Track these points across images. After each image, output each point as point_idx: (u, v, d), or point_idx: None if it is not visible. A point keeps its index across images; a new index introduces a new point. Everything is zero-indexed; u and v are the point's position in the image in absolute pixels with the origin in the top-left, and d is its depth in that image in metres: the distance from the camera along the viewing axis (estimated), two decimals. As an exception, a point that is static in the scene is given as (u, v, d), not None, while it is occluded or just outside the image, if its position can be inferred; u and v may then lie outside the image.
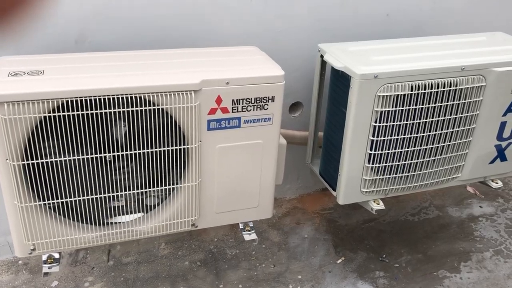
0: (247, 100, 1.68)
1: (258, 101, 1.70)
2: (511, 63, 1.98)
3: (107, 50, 1.96)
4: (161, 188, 1.74)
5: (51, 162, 1.56)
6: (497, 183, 2.29)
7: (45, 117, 1.49)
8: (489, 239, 2.59)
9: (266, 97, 1.70)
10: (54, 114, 1.48)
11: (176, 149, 1.68)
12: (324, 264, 2.42)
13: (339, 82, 1.95)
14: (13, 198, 1.56)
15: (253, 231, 1.95)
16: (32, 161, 1.53)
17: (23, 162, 1.52)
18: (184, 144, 1.68)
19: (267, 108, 1.72)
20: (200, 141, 1.69)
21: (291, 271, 2.37)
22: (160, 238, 2.52)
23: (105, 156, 1.64)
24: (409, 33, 2.44)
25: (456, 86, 1.92)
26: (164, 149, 1.66)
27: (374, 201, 2.10)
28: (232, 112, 1.68)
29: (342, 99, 1.93)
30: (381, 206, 2.09)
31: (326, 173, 2.21)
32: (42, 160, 1.54)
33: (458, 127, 2.03)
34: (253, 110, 1.71)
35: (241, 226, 1.95)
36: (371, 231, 2.63)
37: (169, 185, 1.75)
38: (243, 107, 1.69)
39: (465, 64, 1.91)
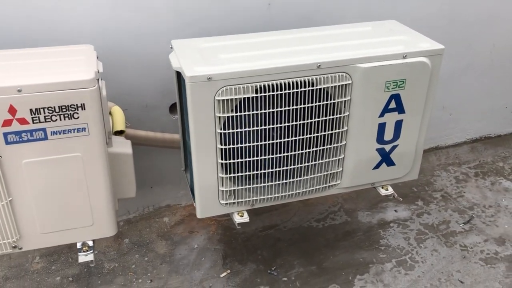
0: (50, 109, 1.48)
1: (64, 110, 1.49)
2: (379, 57, 1.74)
3: None
4: (-34, 208, 1.56)
5: None
6: (387, 189, 2.07)
7: None
8: (395, 248, 2.37)
9: (73, 105, 1.49)
10: None
11: (-27, 166, 1.49)
12: (207, 278, 2.23)
13: (183, 84, 1.73)
14: None
15: (91, 251, 1.76)
16: None
17: None
18: (-18, 160, 1.49)
19: (78, 117, 1.52)
20: (0, 156, 1.50)
21: (169, 286, 2.19)
22: (35, 251, 2.35)
23: None
24: (295, 24, 2.20)
25: (312, 85, 1.70)
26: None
27: (238, 213, 1.90)
28: (33, 123, 1.48)
29: (185, 103, 1.72)
30: (245, 218, 1.89)
31: (192, 183, 2.00)
32: None
33: (326, 131, 1.81)
34: (60, 119, 1.50)
35: (78, 245, 1.76)
36: (267, 240, 2.43)
37: (-23, 204, 1.57)
38: (47, 117, 1.49)
39: (321, 61, 1.68)
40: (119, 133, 1.92)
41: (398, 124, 1.90)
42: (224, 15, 2.14)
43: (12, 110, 1.44)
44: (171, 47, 1.85)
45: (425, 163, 2.93)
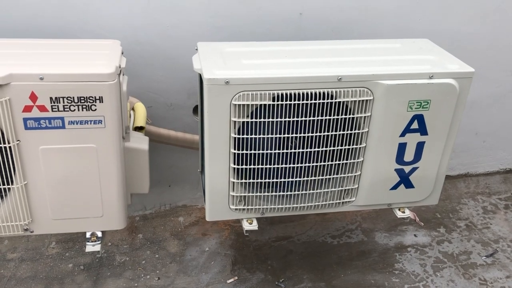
0: (69, 99, 1.52)
1: (83, 101, 1.53)
2: (403, 75, 1.69)
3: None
4: (-16, 187, 1.62)
5: None
6: (403, 212, 2.00)
7: None
8: (410, 274, 2.29)
9: (92, 97, 1.53)
10: None
11: (-6, 148, 1.55)
12: (213, 282, 2.22)
13: (202, 86, 1.74)
14: None
15: (99, 242, 1.78)
16: None
17: None
18: (2, 143, 1.54)
19: (96, 109, 1.55)
20: (18, 140, 1.55)
21: (175, 286, 2.19)
22: (51, 236, 2.41)
23: None
24: (325, 36, 2.18)
25: (332, 98, 1.67)
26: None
27: (247, 220, 1.88)
28: (52, 111, 1.52)
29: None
30: (254, 226, 1.87)
31: (204, 185, 2.01)
32: None
33: (343, 145, 1.77)
34: (78, 110, 1.54)
35: (87, 235, 1.79)
36: (279, 251, 2.40)
37: (-5, 185, 1.62)
38: (65, 107, 1.53)
39: (343, 74, 1.65)
40: (139, 129, 1.95)
41: (420, 146, 1.84)
42: (255, 21, 2.14)
43: (33, 97, 1.49)
44: (196, 49, 1.87)
45: (453, 190, 2.82)
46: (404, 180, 1.91)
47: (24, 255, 2.32)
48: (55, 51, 1.66)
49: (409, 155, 1.85)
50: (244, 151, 1.71)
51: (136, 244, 2.41)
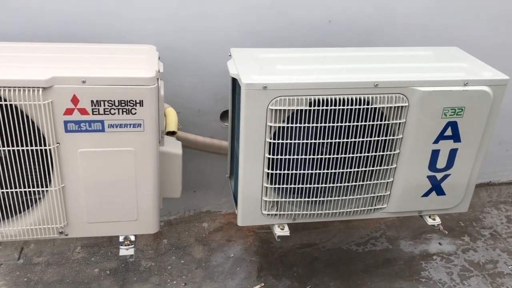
0: (110, 102, 1.53)
1: (123, 105, 1.54)
2: (439, 82, 1.70)
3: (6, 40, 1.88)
4: (23, 190, 1.62)
5: None
6: (434, 219, 2.00)
7: None
8: (436, 282, 2.27)
9: (132, 101, 1.54)
10: None
11: (33, 150, 1.56)
12: (240, 288, 2.22)
13: (238, 91, 1.75)
14: None
15: (132, 245, 1.79)
16: None
17: None
18: (42, 145, 1.55)
19: (136, 113, 1.56)
20: (58, 143, 1.56)
21: (202, 292, 2.19)
22: (76, 241, 2.42)
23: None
24: (353, 43, 2.19)
25: (368, 104, 1.68)
26: (20, 148, 1.55)
27: (278, 226, 1.88)
28: (93, 114, 1.54)
29: (239, 110, 1.73)
30: (286, 232, 1.87)
31: (236, 190, 2.01)
32: None
33: (377, 151, 1.78)
34: (118, 114, 1.55)
35: (121, 239, 1.80)
36: (305, 258, 2.39)
37: (32, 188, 1.63)
38: (106, 110, 1.54)
39: (379, 80, 1.66)
40: (171, 133, 1.96)
41: (453, 153, 1.84)
42: (284, 28, 2.16)
43: (74, 100, 1.50)
44: (230, 55, 1.88)
45: (475, 198, 2.81)
46: (436, 187, 1.91)
47: (50, 259, 2.32)
48: (94, 55, 1.68)
49: (441, 162, 1.85)
50: (279, 156, 1.72)
51: (161, 250, 2.41)
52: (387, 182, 1.86)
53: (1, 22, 1.90)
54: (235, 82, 1.90)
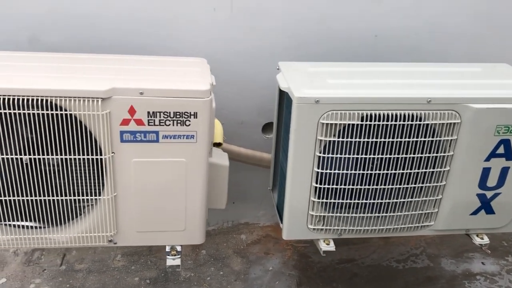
0: (165, 113, 1.55)
1: (178, 116, 1.56)
2: (493, 99, 1.67)
3: (58, 51, 1.93)
4: (74, 198, 1.66)
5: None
6: (482, 238, 1.95)
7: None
8: (481, 302, 2.22)
9: (187, 113, 1.56)
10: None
11: (88, 159, 1.59)
12: (279, 302, 2.20)
13: (288, 104, 1.76)
14: None
15: (179, 256, 1.80)
16: None
17: None
18: (97, 154, 1.58)
19: (189, 125, 1.58)
20: (113, 153, 1.59)
21: (241, 304, 2.19)
22: (117, 249, 2.44)
23: (21, 158, 1.59)
24: (398, 58, 2.19)
25: (420, 120, 1.66)
26: (75, 157, 1.58)
27: (324, 241, 1.87)
28: (148, 125, 1.56)
29: (288, 123, 1.74)
30: (331, 247, 1.85)
31: (279, 203, 2.01)
32: None
33: (427, 168, 1.75)
34: (173, 125, 1.57)
35: (167, 249, 1.81)
36: (344, 273, 2.37)
37: (85, 196, 1.66)
38: (161, 121, 1.56)
39: (433, 96, 1.64)
40: (217, 145, 1.97)
41: (504, 171, 1.80)
42: (330, 42, 2.16)
43: (131, 111, 1.53)
44: (278, 68, 1.90)
45: (518, 218, 2.74)
46: (485, 205, 1.87)
47: (91, 266, 2.35)
48: (149, 67, 1.71)
49: (492, 180, 1.81)
50: (328, 171, 1.71)
51: (200, 260, 2.41)
52: (436, 199, 1.83)
53: (62, 35, 1.96)
54: (282, 95, 1.91)
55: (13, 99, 1.46)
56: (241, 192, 2.50)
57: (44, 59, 1.72)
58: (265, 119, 2.31)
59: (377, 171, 1.74)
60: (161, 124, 1.57)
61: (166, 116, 1.56)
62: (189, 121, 1.58)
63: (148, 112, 1.55)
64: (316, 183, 1.74)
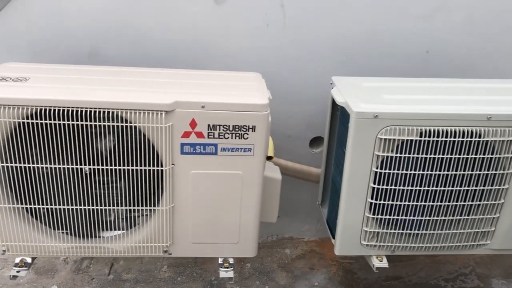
0: (225, 126, 1.58)
1: (237, 129, 1.59)
2: (556, 116, 1.64)
3: (116, 65, 1.99)
4: (132, 208, 1.69)
5: (27, 167, 1.59)
6: (540, 259, 1.90)
7: (22, 122, 1.53)
8: (536, 326, 2.15)
9: (246, 126, 1.58)
10: (27, 120, 1.51)
11: (148, 170, 1.62)
12: (326, 318, 2.18)
13: (344, 119, 1.77)
14: (-12, 197, 1.61)
15: (232, 268, 1.80)
16: (7, 164, 1.57)
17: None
18: (157, 166, 1.62)
19: (248, 138, 1.60)
20: (173, 164, 1.62)
21: (288, 319, 2.17)
22: (163, 260, 2.47)
23: (82, 168, 1.64)
24: (451, 74, 2.17)
25: (479, 137, 1.64)
26: (136, 168, 1.62)
27: (376, 257, 1.85)
28: (208, 137, 1.59)
29: (345, 138, 1.74)
30: (384, 263, 1.84)
31: (330, 218, 2.00)
32: (16, 164, 1.57)
33: (485, 186, 1.72)
34: (232, 138, 1.60)
35: (220, 261, 1.82)
36: (391, 291, 2.33)
37: (141, 206, 1.69)
38: (220, 134, 1.59)
39: (493, 113, 1.62)
40: (268, 158, 1.99)
41: None
42: (381, 57, 2.16)
43: (193, 124, 1.56)
44: (331, 83, 1.91)
45: None
46: (545, 225, 1.82)
47: (138, 276, 2.38)
48: (205, 81, 1.75)
49: (553, 199, 1.77)
50: (384, 186, 1.70)
51: (244, 274, 2.41)
52: (493, 218, 1.79)
53: (120, 49, 2.02)
54: (335, 110, 1.92)
55: (77, 111, 1.51)
56: (286, 206, 2.49)
57: (105, 72, 1.78)
58: (313, 133, 2.31)
59: (434, 188, 1.72)
60: (220, 137, 1.59)
61: (225, 129, 1.58)
62: (247, 134, 1.60)
63: (209, 125, 1.57)
64: (372, 198, 1.73)
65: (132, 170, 1.62)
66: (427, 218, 1.77)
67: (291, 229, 2.59)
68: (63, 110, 1.50)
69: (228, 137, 1.60)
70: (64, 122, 1.52)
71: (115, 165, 1.60)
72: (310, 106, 2.24)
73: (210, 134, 1.59)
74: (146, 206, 1.70)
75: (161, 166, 1.61)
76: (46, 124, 1.53)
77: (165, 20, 2.01)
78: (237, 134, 1.59)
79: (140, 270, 2.42)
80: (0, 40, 1.93)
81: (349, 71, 2.17)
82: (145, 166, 1.61)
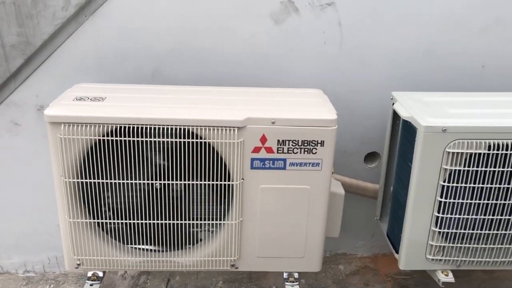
0: (294, 142, 1.61)
1: (306, 144, 1.62)
2: None
3: (179, 84, 2.06)
4: (201, 222, 1.73)
5: (101, 183, 1.65)
6: None
7: (99, 140, 1.60)
8: None
9: (314, 141, 1.62)
10: (103, 138, 1.58)
11: (219, 185, 1.66)
12: (386, 335, 2.16)
13: (407, 133, 1.78)
14: (64, 213, 1.67)
15: (297, 283, 1.82)
16: (82, 180, 1.63)
17: (75, 180, 1.63)
18: (227, 181, 1.66)
19: (316, 153, 1.63)
20: (243, 179, 1.66)
21: (347, 336, 2.16)
22: (219, 275, 2.49)
23: (153, 183, 1.69)
24: (506, 89, 2.16)
25: (549, 149, 1.63)
26: (207, 183, 1.66)
27: (442, 272, 1.84)
28: (277, 152, 1.63)
29: (409, 152, 1.75)
30: (451, 278, 1.82)
31: (392, 233, 2.00)
32: (90, 180, 1.64)
33: (554, 199, 1.71)
34: (300, 153, 1.63)
35: (285, 275, 1.84)
36: (450, 308, 2.29)
37: (211, 220, 1.73)
38: (289, 149, 1.62)
39: (563, 125, 1.61)
40: (328, 174, 2.01)
41: None
42: (436, 72, 2.17)
43: (263, 139, 1.60)
44: (392, 98, 1.93)
45: None
46: None
47: (194, 291, 2.41)
48: (271, 98, 1.79)
49: None
50: (451, 200, 1.70)
51: (300, 289, 2.41)
52: (562, 232, 1.77)
53: (182, 68, 2.09)
54: (395, 124, 1.94)
55: (154, 128, 1.57)
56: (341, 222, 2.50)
57: (174, 91, 1.84)
58: (368, 149, 2.33)
59: (501, 201, 1.70)
60: (289, 152, 1.63)
61: (294, 144, 1.62)
62: (316, 149, 1.63)
63: (278, 140, 1.61)
64: (438, 212, 1.73)
65: (203, 185, 1.67)
66: (496, 232, 1.75)
67: (345, 245, 2.58)
68: (141, 128, 1.57)
69: (297, 152, 1.63)
70: (140, 139, 1.58)
71: (186, 180, 1.65)
72: (365, 121, 2.26)
73: (279, 149, 1.62)
74: (216, 220, 1.74)
75: (232, 180, 1.65)
76: (122, 141, 1.59)
77: (224, 41, 2.08)
78: (306, 149, 1.63)
79: (196, 285, 2.45)
80: (71, 61, 2.02)
81: (405, 86, 2.19)
82: (215, 181, 1.65)
